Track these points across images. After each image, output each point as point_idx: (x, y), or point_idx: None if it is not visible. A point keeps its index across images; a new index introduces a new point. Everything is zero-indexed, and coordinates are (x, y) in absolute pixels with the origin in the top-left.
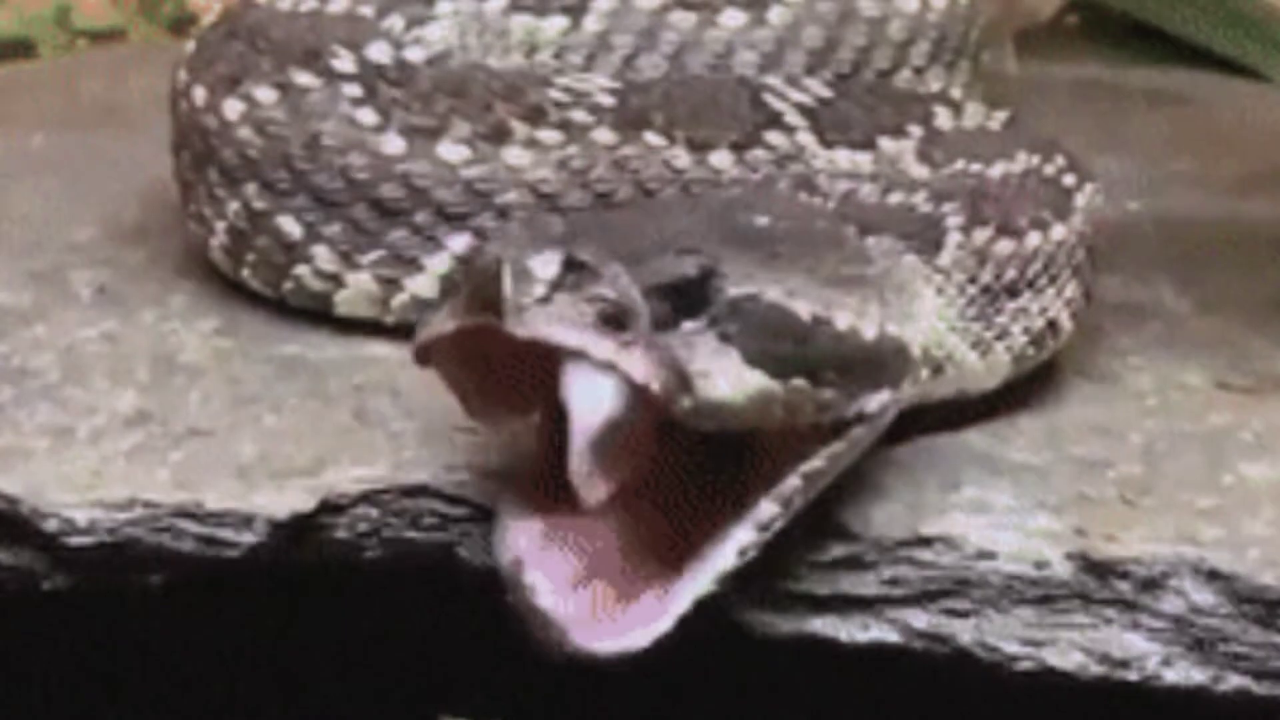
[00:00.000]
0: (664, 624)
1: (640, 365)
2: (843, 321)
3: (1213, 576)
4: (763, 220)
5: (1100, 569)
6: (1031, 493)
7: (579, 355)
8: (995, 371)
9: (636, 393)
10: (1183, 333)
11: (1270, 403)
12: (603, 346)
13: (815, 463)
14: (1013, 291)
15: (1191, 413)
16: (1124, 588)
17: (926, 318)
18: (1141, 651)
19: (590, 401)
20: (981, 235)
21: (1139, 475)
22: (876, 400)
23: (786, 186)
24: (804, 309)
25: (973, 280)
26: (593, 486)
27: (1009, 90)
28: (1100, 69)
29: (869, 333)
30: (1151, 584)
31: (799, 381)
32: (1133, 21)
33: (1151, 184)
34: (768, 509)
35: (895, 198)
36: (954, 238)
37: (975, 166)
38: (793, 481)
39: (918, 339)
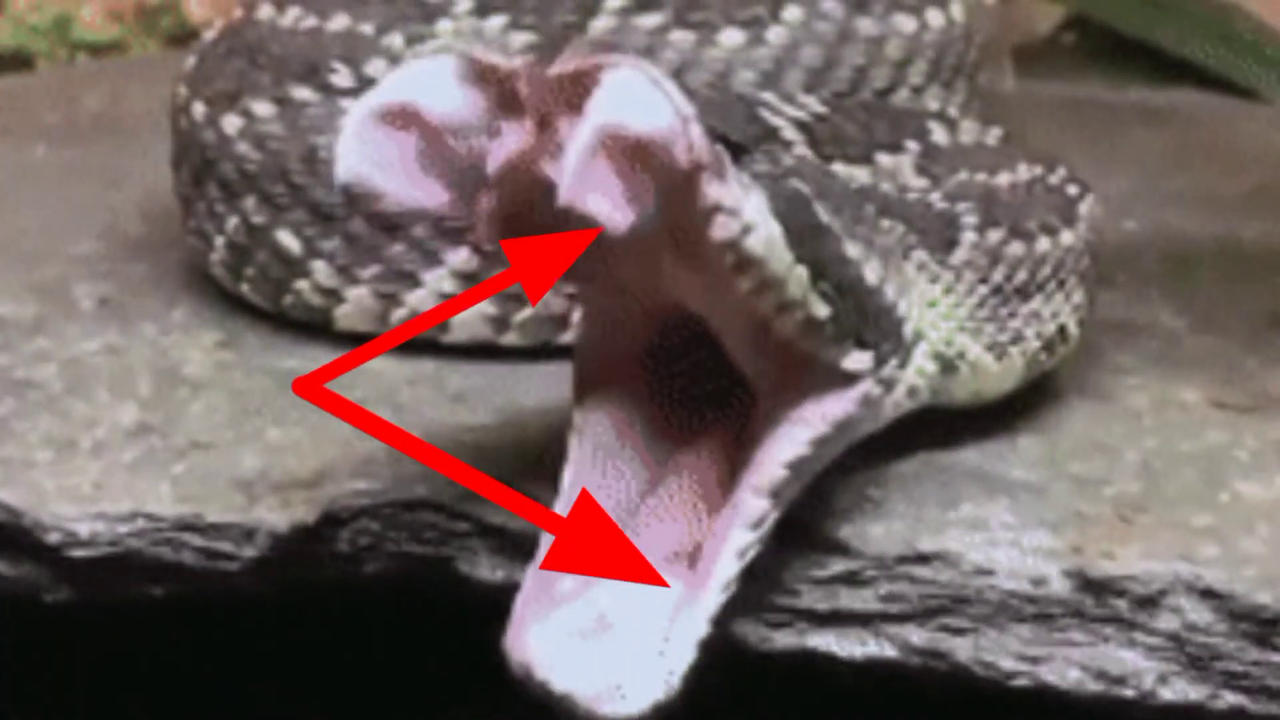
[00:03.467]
0: (688, 654)
1: (687, 102)
2: (851, 251)
3: (1209, 594)
4: (789, 162)
5: (1097, 586)
6: (1029, 510)
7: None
8: (1009, 375)
9: (674, 121)
10: (1179, 351)
11: (1266, 420)
12: (655, 71)
13: (800, 449)
14: (1024, 294)
15: (1188, 431)
16: (1121, 605)
17: (927, 313)
18: (1138, 668)
19: (620, 99)
20: (995, 236)
21: (1136, 493)
22: (859, 359)
23: (813, 164)
24: (822, 216)
25: (984, 280)
26: (577, 190)
27: (1006, 108)
28: (1097, 87)
29: (871, 277)
30: (1148, 601)
31: (802, 270)
32: (1129, 39)
33: (1148, 202)
34: (756, 505)
35: (912, 195)
36: (968, 237)
37: (980, 176)
38: (778, 472)
39: (910, 320)
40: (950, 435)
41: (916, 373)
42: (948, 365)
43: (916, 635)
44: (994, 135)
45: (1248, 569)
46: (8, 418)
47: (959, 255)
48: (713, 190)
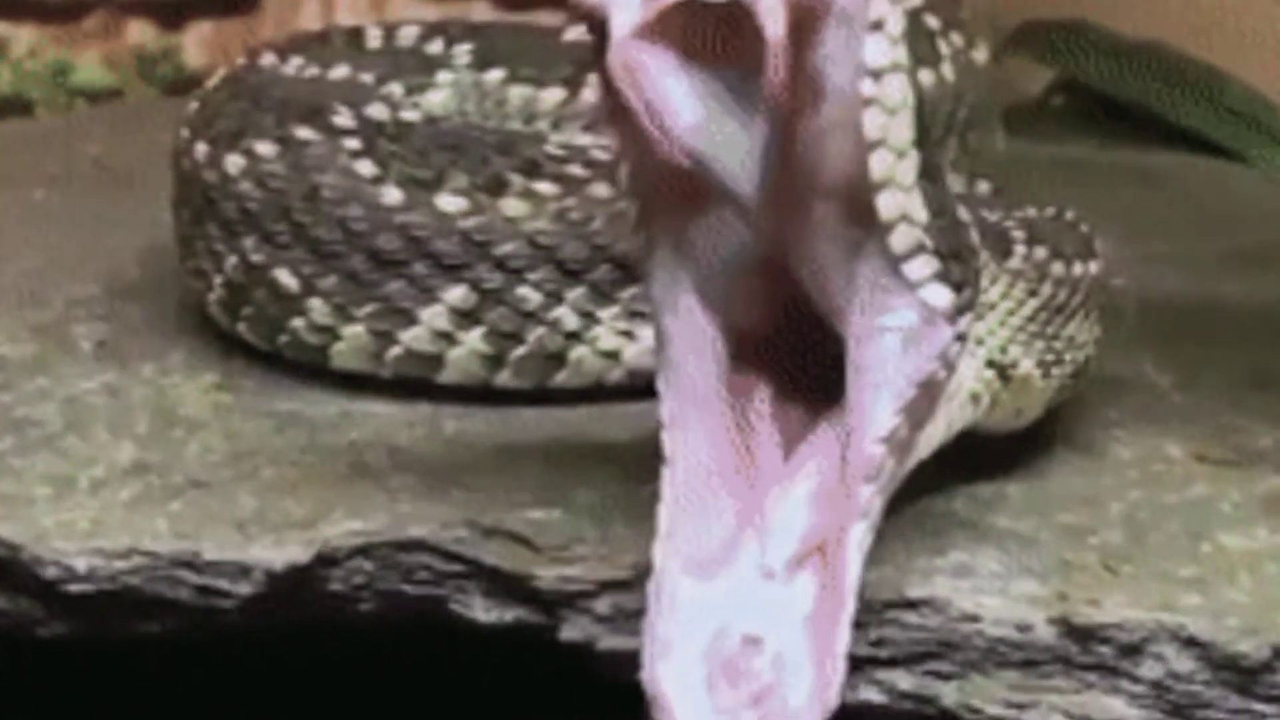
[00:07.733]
0: (841, 667)
1: None
2: (951, 183)
3: (1191, 643)
4: None
5: (1082, 634)
6: (1016, 559)
7: None
8: (1046, 396)
9: None
10: (1165, 406)
11: (1248, 475)
12: None
13: (891, 421)
14: (1064, 316)
15: (1172, 484)
16: (1105, 653)
17: (986, 314)
18: (1122, 716)
19: None
20: (1041, 252)
21: (1121, 543)
22: (940, 294)
23: None
24: (935, 135)
25: (1034, 293)
26: None
27: (996, 168)
28: (1085, 148)
29: (963, 213)
30: (1132, 650)
31: (916, 156)
32: (1119, 102)
33: (1134, 262)
34: (864, 491)
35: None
36: (1020, 249)
37: (997, 215)
38: (875, 450)
39: (976, 293)
40: (942, 486)
41: (976, 378)
42: (1003, 374)
43: (904, 680)
44: (984, 191)
45: (1230, 619)
46: (7, 454)
47: (1013, 262)
48: (884, 6)
